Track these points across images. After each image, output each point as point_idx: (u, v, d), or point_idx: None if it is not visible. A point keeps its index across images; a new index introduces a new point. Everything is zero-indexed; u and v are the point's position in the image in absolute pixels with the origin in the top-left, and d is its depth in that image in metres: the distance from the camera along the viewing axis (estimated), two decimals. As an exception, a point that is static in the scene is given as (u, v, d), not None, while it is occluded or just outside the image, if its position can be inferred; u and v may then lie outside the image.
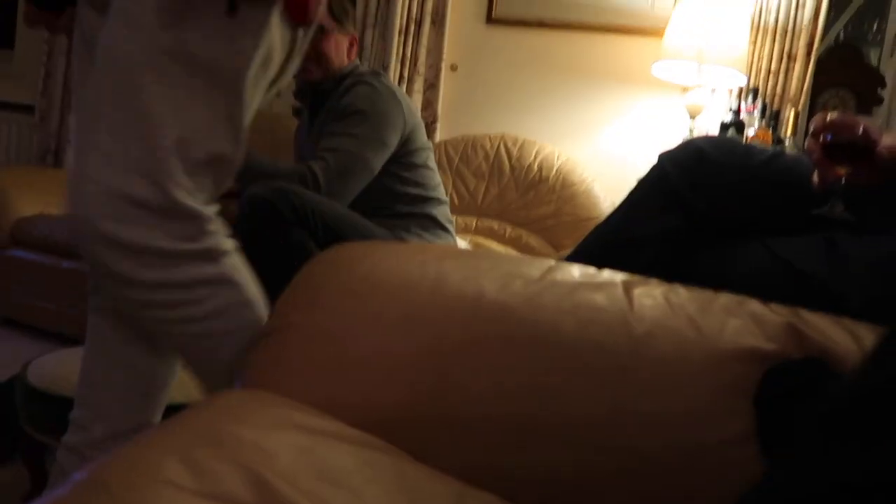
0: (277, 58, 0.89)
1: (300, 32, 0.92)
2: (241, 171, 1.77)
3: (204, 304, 0.89)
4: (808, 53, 2.50)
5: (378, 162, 1.70)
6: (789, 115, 2.35)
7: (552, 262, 0.86)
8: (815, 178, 0.91)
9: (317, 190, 1.59)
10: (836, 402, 0.49)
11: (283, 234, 1.49)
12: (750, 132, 2.35)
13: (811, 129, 0.92)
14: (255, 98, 0.89)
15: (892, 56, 2.76)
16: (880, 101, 2.69)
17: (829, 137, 0.87)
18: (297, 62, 0.95)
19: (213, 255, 0.90)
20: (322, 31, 1.72)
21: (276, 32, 0.86)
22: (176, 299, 0.87)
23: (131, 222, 0.81)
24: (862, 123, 0.87)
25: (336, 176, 1.61)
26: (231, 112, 0.86)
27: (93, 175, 0.81)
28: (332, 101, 1.75)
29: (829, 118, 0.89)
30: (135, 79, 0.81)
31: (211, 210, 0.90)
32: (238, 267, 0.94)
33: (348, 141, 1.64)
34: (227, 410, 0.68)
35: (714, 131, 2.50)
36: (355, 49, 1.83)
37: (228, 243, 0.93)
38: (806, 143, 0.93)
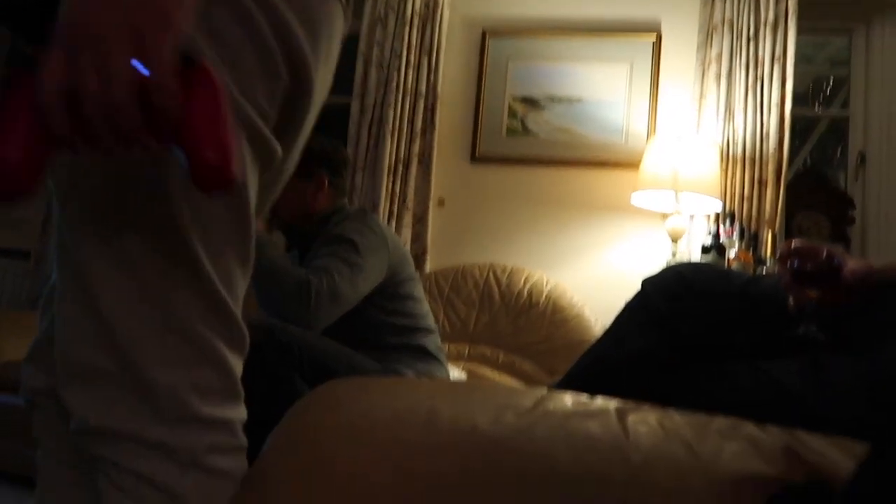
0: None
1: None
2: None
3: None
4: (778, 179, 2.64)
5: (364, 289, 1.72)
6: (767, 236, 2.43)
7: (544, 391, 0.86)
8: (790, 300, 0.94)
9: (307, 307, 1.59)
10: None
11: (270, 373, 1.47)
12: (731, 254, 2.42)
13: (777, 255, 0.96)
14: None
15: (856, 180, 2.90)
16: (852, 221, 2.79)
17: (795, 263, 0.92)
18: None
19: None
20: None
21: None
22: None
23: None
24: (825, 249, 0.92)
25: (328, 299, 1.62)
26: None
27: None
28: (322, 235, 1.80)
29: (793, 245, 0.93)
30: None
31: None
32: None
33: (340, 265, 1.67)
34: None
35: (696, 255, 2.57)
36: (324, 190, 1.84)
37: None
38: (776, 269, 0.97)
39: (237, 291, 0.75)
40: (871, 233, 2.83)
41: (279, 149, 0.75)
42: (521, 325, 2.56)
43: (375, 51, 3.01)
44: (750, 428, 0.76)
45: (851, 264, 0.94)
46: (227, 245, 0.72)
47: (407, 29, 2.97)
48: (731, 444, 0.73)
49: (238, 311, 0.75)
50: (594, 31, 2.94)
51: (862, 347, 0.95)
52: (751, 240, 2.45)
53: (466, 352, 2.55)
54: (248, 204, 0.73)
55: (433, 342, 1.85)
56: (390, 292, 1.80)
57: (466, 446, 0.76)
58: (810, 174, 2.98)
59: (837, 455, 0.70)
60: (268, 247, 1.71)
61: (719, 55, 2.74)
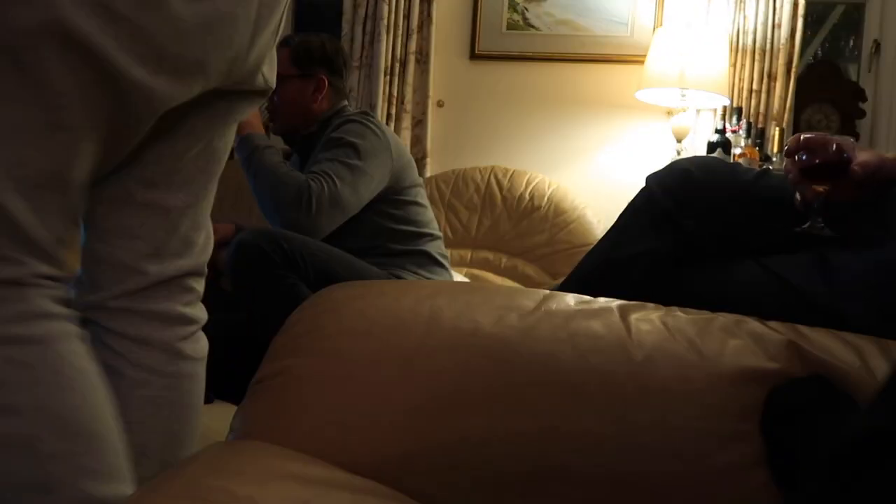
0: None
1: None
2: (247, 158, 1.72)
3: None
4: (788, 72, 2.55)
5: (367, 195, 1.70)
6: (774, 132, 2.38)
7: (546, 292, 0.85)
8: (797, 196, 0.92)
9: (308, 213, 1.58)
10: (849, 441, 0.48)
11: (274, 279, 1.47)
12: (737, 151, 2.38)
13: (786, 149, 0.93)
14: None
15: (869, 71, 2.81)
16: (863, 114, 2.73)
17: (803, 157, 0.89)
18: None
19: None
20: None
21: None
22: None
23: None
24: (835, 142, 0.89)
25: (328, 205, 1.60)
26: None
27: None
28: (323, 139, 1.76)
29: (801, 139, 0.90)
30: None
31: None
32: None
33: (341, 169, 1.64)
34: (218, 464, 0.66)
35: (701, 152, 2.52)
36: (324, 91, 1.79)
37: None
38: (783, 164, 0.94)
39: None
40: (881, 125, 2.76)
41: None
42: (522, 228, 2.55)
43: (368, -60, 2.84)
44: (753, 324, 0.75)
45: (862, 156, 0.91)
46: None
47: (401, -84, 2.79)
48: (734, 340, 0.73)
49: None
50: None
51: (870, 242, 0.94)
52: (757, 136, 2.40)
53: (469, 257, 2.56)
54: None
55: (437, 248, 1.84)
56: (393, 198, 1.77)
57: (468, 346, 0.76)
58: (822, 65, 2.88)
59: (842, 350, 0.70)
60: (267, 152, 1.67)
61: (732, -63, 2.58)
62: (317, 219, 1.60)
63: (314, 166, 1.66)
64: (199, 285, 0.94)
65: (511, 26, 2.85)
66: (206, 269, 0.95)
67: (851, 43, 3.04)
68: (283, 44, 1.76)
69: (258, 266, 1.48)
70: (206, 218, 0.94)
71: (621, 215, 1.14)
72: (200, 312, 0.94)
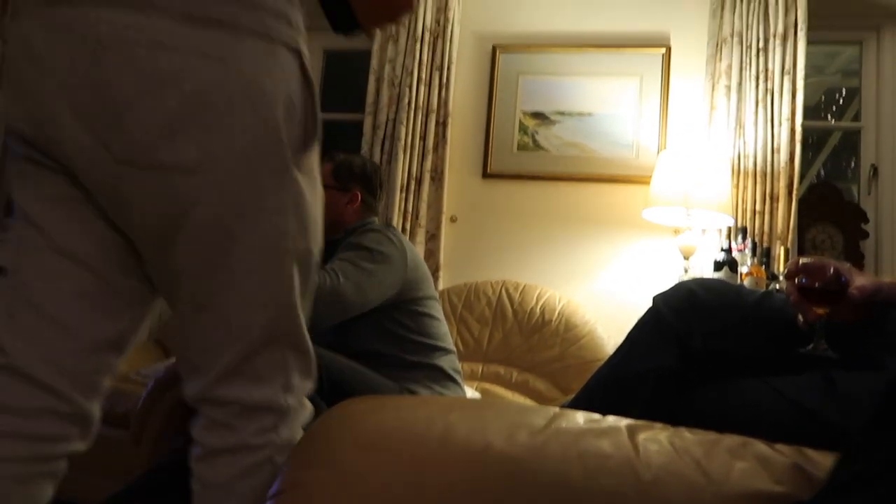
0: None
1: None
2: None
3: None
4: (790, 193, 2.60)
5: (373, 297, 1.73)
6: (779, 252, 2.42)
7: (556, 410, 0.87)
8: (799, 318, 0.95)
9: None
10: None
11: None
12: (744, 269, 2.41)
13: (785, 273, 0.97)
14: None
15: (869, 194, 2.86)
16: (866, 235, 2.76)
17: (803, 280, 0.93)
18: None
19: None
20: None
21: None
22: None
23: None
24: (832, 265, 0.93)
25: (328, 297, 1.61)
26: None
27: None
28: (343, 244, 1.83)
29: (800, 262, 0.94)
30: None
31: None
32: None
33: (348, 267, 1.69)
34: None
35: (708, 270, 2.56)
36: (356, 205, 1.92)
37: None
38: (785, 286, 0.98)
39: None
40: (885, 246, 2.78)
41: None
42: (533, 343, 2.57)
43: (387, 68, 3.05)
44: (759, 446, 0.77)
45: (859, 281, 0.95)
46: None
47: (418, 45, 3.00)
48: (741, 462, 0.74)
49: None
50: (603, 45, 2.96)
51: (874, 363, 0.96)
52: (763, 255, 2.44)
53: (480, 371, 2.55)
54: None
55: (451, 363, 1.86)
56: (407, 308, 1.81)
57: (480, 464, 0.77)
58: (823, 187, 2.95)
59: (846, 473, 0.70)
60: None
61: (729, 68, 2.73)
62: (314, 308, 1.62)
63: (327, 265, 1.72)
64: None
65: (521, 147, 2.99)
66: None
67: (853, 163, 3.11)
68: (329, 158, 1.92)
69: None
70: None
71: (630, 333, 1.17)
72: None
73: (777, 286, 2.32)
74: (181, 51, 0.79)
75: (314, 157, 0.94)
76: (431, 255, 2.95)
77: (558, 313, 2.60)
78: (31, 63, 0.81)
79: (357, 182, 1.93)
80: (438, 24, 3.03)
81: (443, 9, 3.03)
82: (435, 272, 2.91)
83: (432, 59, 3.02)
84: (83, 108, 0.80)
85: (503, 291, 2.72)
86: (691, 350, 1.05)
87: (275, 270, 0.89)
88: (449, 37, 3.01)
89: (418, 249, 2.91)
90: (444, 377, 1.82)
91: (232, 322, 0.88)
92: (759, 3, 2.75)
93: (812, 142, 3.72)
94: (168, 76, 0.79)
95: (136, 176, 0.81)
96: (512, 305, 2.67)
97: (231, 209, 0.84)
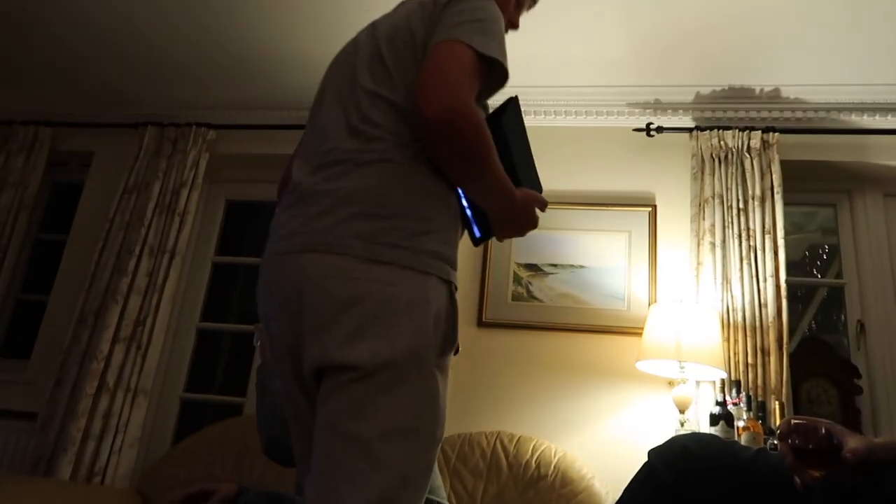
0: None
1: None
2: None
3: None
4: (780, 347, 2.61)
5: None
6: (774, 406, 2.40)
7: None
8: (796, 479, 0.96)
9: None
10: None
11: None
12: (740, 423, 2.38)
13: (778, 433, 0.98)
14: None
15: (858, 349, 2.88)
16: (860, 390, 2.74)
17: (796, 441, 0.94)
18: None
19: None
20: None
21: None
22: None
23: None
24: (823, 426, 0.94)
25: None
26: None
27: None
28: None
29: (792, 423, 0.96)
30: None
31: None
32: None
33: None
34: None
35: (704, 423, 2.53)
36: None
37: None
38: (779, 446, 0.99)
39: None
40: (880, 401, 2.75)
41: None
42: (529, 498, 2.47)
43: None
44: None
45: (852, 443, 0.96)
46: None
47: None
48: None
49: None
50: (593, 203, 3.12)
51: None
52: (759, 409, 2.43)
53: (474, 525, 2.44)
54: None
55: (443, 516, 1.80)
56: None
57: None
58: (812, 342, 2.96)
59: None
60: None
61: (712, 226, 2.83)
62: None
63: None
64: None
65: (516, 297, 3.05)
66: None
67: (842, 317, 3.13)
68: None
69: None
70: None
71: (626, 489, 1.16)
72: None
73: (774, 441, 2.29)
74: (363, 280, 1.08)
75: (449, 360, 1.17)
76: (425, 403, 2.90)
77: (554, 466, 2.53)
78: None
79: None
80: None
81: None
82: (429, 422, 2.85)
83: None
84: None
85: (498, 443, 2.66)
86: (688, 506, 1.04)
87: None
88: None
89: (413, 398, 2.87)
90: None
91: None
92: (737, 168, 2.91)
93: (800, 295, 3.78)
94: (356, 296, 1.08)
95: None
96: (507, 457, 2.61)
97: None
